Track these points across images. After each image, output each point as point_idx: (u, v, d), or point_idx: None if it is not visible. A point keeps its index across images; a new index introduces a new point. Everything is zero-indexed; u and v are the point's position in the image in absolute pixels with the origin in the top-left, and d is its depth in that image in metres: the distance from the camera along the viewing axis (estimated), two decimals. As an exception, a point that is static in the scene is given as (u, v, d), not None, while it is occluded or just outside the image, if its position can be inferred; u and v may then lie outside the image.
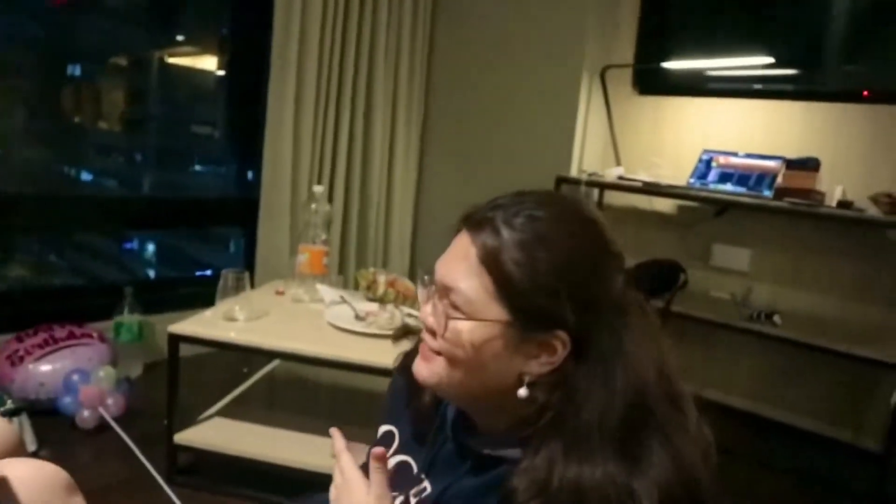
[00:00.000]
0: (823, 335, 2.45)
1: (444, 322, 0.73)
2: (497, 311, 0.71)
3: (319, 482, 1.65)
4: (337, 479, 0.81)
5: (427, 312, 0.77)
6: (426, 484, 0.85)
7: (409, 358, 0.90)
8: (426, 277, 0.80)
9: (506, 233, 0.71)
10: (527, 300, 0.70)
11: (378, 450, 0.77)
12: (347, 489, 0.78)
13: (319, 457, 1.84)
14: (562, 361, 0.71)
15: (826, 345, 2.40)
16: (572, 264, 0.71)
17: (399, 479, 0.86)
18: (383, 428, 0.95)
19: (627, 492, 0.65)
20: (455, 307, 0.73)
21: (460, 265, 0.73)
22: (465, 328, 0.72)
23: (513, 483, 0.70)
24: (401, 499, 0.85)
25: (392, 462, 0.89)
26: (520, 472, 0.70)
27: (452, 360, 0.74)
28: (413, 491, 0.84)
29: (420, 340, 0.82)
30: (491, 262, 0.71)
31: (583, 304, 0.70)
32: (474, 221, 0.74)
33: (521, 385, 0.73)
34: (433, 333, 0.76)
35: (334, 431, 0.83)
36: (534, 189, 0.79)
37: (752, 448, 2.53)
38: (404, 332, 0.90)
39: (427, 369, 0.77)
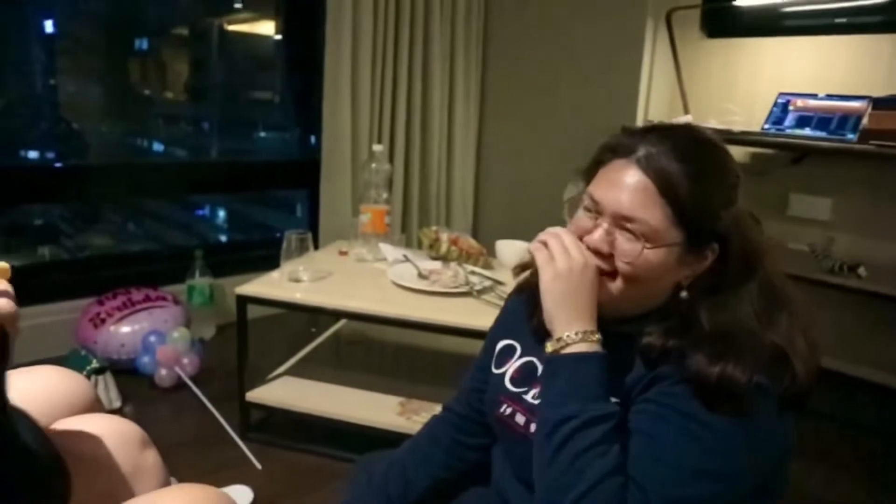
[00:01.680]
0: (913, 287, 2.30)
1: (640, 250, 0.82)
2: (675, 235, 0.82)
3: (386, 439, 1.68)
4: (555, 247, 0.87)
5: (599, 239, 0.85)
6: None
7: (526, 282, 1.02)
8: (588, 204, 0.88)
9: (676, 166, 0.81)
10: (698, 222, 0.82)
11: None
12: (573, 260, 0.86)
13: (385, 414, 1.87)
14: (710, 263, 0.84)
15: (916, 297, 2.26)
16: (727, 188, 0.84)
17: (527, 376, 0.97)
18: (502, 342, 1.05)
19: (765, 338, 0.79)
20: (641, 236, 0.82)
21: (640, 197, 0.82)
22: (651, 254, 0.82)
23: (652, 338, 0.83)
24: (535, 391, 0.95)
25: (517, 364, 1.00)
26: (660, 329, 0.83)
27: (632, 279, 0.84)
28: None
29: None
30: (671, 193, 0.81)
31: (729, 219, 0.83)
32: (641, 155, 0.83)
33: (678, 288, 0.87)
34: (608, 258, 0.85)
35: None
36: (666, 123, 0.92)
37: (835, 407, 2.42)
38: (522, 267, 0.98)
39: (599, 290, 0.86)
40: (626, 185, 0.83)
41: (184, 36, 3.24)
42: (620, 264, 0.84)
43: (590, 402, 0.81)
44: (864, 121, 2.38)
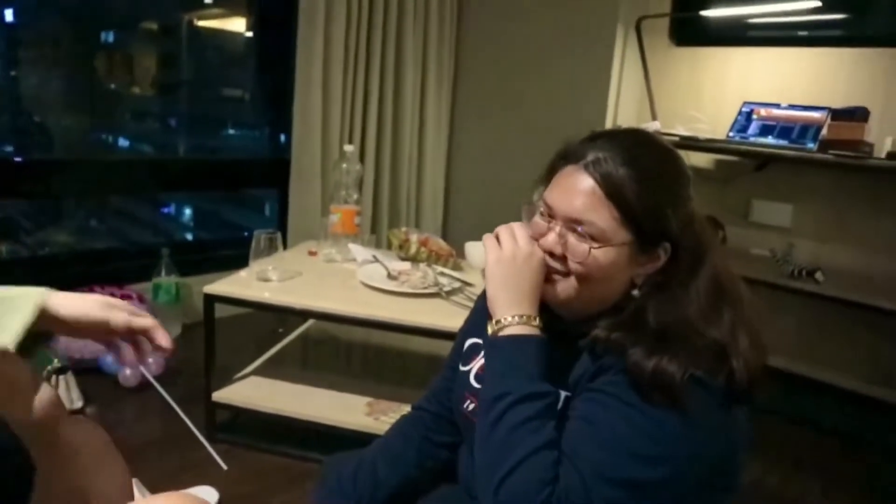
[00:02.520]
0: (867, 292, 2.37)
1: (588, 251, 0.86)
2: (624, 235, 0.86)
3: (353, 439, 1.68)
4: (506, 243, 0.90)
5: (552, 241, 0.89)
6: None
7: None
8: (543, 209, 0.92)
9: (622, 170, 0.85)
10: (646, 223, 0.86)
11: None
12: (518, 248, 0.90)
13: (353, 414, 1.87)
14: (663, 263, 0.88)
15: (870, 302, 2.32)
16: (676, 189, 0.89)
17: None
18: (469, 341, 1.08)
19: (706, 334, 0.82)
20: (590, 237, 0.86)
21: (588, 200, 0.86)
22: (600, 254, 0.86)
23: (598, 331, 0.86)
24: None
25: (482, 362, 1.01)
26: (608, 323, 0.86)
27: (585, 279, 0.88)
28: None
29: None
30: (616, 195, 0.85)
31: (680, 219, 0.87)
32: (589, 161, 0.87)
33: (632, 287, 0.90)
34: (562, 259, 0.89)
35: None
36: (615, 129, 0.97)
37: (793, 408, 2.48)
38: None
39: (553, 289, 0.90)
40: (575, 189, 0.87)
41: (153, 30, 3.20)
42: (573, 264, 0.88)
43: (524, 381, 0.84)
44: (824, 131, 2.46)
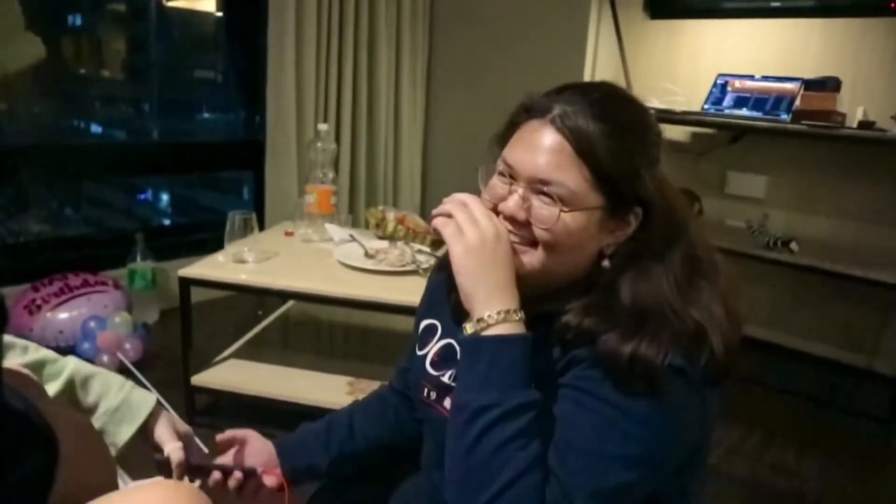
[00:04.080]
0: (841, 261, 2.41)
1: (557, 215, 0.76)
2: (595, 198, 0.76)
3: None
4: (483, 222, 0.77)
5: (514, 206, 0.78)
6: None
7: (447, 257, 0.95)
8: (503, 169, 0.81)
9: (593, 125, 0.75)
10: (619, 184, 0.76)
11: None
12: (483, 231, 0.77)
13: (334, 394, 1.87)
14: (633, 230, 0.79)
15: (842, 270, 2.36)
16: (648, 146, 0.79)
17: (446, 359, 0.93)
18: (425, 322, 1.00)
19: (684, 314, 0.74)
20: (559, 199, 0.76)
21: (555, 158, 0.76)
22: (570, 218, 0.76)
23: (569, 317, 0.77)
24: (451, 373, 0.91)
25: (437, 346, 0.95)
26: (579, 306, 0.78)
27: (552, 248, 0.78)
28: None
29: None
30: (588, 153, 0.75)
31: (652, 181, 0.78)
32: (556, 115, 0.77)
33: (602, 258, 0.81)
34: (525, 225, 0.78)
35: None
36: (585, 81, 0.86)
37: (768, 375, 2.53)
38: (438, 242, 0.88)
39: (518, 259, 0.79)
40: (541, 146, 0.77)
41: (121, 12, 3.12)
42: (538, 231, 0.77)
43: (513, 390, 0.74)
44: (797, 102, 2.47)
